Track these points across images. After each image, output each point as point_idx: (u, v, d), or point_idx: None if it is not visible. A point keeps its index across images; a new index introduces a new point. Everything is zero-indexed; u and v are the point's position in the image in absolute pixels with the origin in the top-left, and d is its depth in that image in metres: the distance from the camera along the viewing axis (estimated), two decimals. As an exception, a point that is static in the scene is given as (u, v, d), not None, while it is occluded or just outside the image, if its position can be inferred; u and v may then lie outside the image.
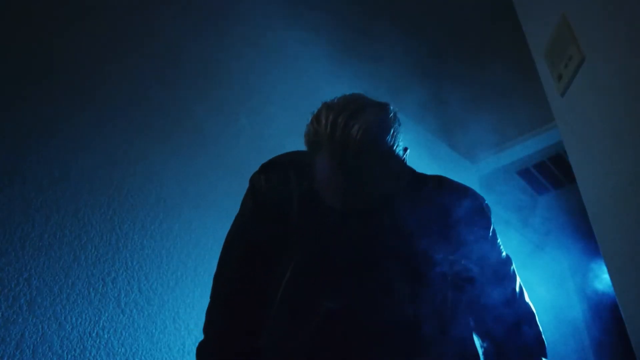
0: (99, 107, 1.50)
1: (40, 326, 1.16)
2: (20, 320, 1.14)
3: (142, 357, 1.31)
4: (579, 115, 1.16)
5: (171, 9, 1.84)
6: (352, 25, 2.24)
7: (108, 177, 1.44)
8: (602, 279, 2.85)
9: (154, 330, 1.36)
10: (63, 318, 1.21)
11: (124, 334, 1.30)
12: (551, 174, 3.08)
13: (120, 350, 1.27)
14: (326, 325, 0.85)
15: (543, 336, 1.01)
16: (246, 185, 1.09)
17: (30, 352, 1.13)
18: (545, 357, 0.99)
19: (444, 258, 0.91)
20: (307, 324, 0.86)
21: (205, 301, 1.41)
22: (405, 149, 0.88)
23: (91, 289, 1.29)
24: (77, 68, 1.49)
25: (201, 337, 0.98)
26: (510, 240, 1.64)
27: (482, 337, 1.02)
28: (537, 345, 1.00)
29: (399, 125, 0.85)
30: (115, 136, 1.51)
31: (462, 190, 1.03)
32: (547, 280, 3.12)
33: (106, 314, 1.29)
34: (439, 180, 1.03)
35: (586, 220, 1.16)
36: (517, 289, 1.03)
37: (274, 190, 0.96)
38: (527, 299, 1.05)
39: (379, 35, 2.26)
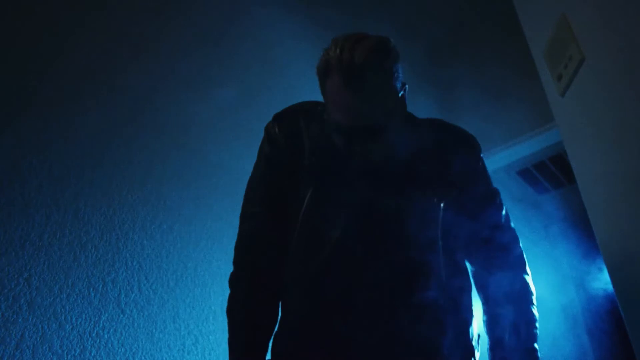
0: (99, 108, 1.50)
1: (40, 326, 1.16)
2: (20, 320, 1.14)
3: (142, 357, 1.31)
4: (579, 115, 1.16)
5: (175, 12, 1.84)
6: (350, 27, 2.24)
7: (108, 177, 1.44)
8: (602, 279, 2.85)
9: (154, 330, 1.36)
10: (63, 318, 1.21)
11: (124, 334, 1.30)
12: (551, 174, 3.07)
13: (120, 350, 1.27)
14: (334, 254, 0.94)
15: (525, 257, 1.12)
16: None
17: (30, 352, 1.13)
18: (528, 274, 1.09)
19: (438, 183, 1.01)
20: (317, 253, 0.94)
21: (205, 301, 1.41)
22: (403, 83, 0.96)
23: (91, 289, 1.29)
24: (77, 68, 1.49)
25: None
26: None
27: (472, 262, 1.11)
28: (521, 263, 1.10)
29: (398, 55, 0.94)
30: (115, 137, 1.51)
31: (454, 128, 1.14)
32: (547, 280, 3.12)
33: (106, 314, 1.29)
34: (433, 120, 1.15)
35: (586, 220, 1.17)
36: (504, 216, 1.12)
37: (287, 135, 1.05)
38: (512, 224, 1.13)
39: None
